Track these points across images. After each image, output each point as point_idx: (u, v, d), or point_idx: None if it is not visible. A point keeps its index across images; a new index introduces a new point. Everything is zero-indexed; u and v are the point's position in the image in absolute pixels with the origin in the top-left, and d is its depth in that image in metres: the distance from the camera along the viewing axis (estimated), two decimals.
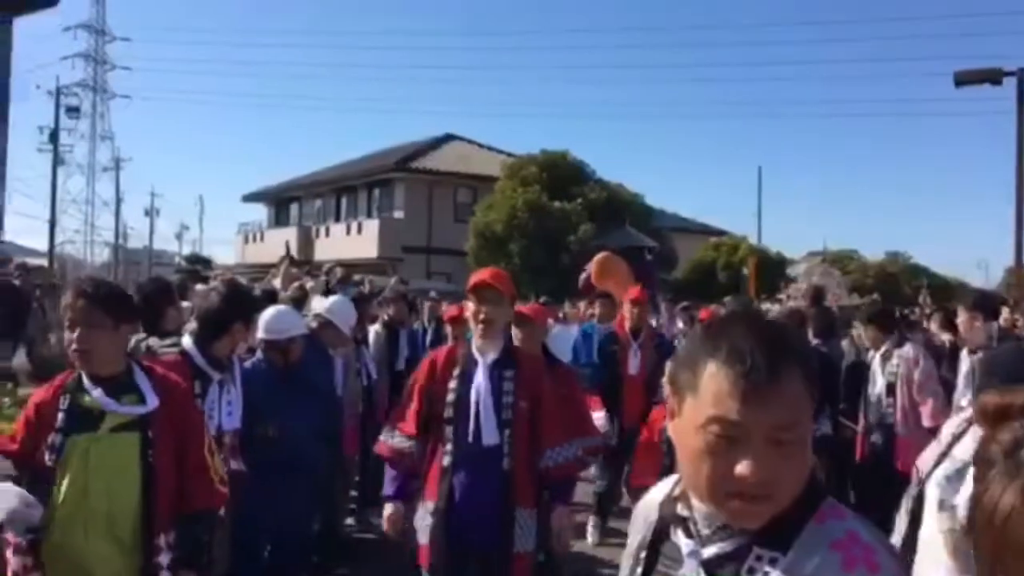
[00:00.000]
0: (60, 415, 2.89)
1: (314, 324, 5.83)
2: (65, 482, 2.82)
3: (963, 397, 5.40)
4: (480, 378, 3.60)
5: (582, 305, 12.47)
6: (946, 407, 5.91)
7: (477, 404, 3.56)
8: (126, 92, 55.39)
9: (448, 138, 35.86)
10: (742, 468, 1.18)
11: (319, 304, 6.36)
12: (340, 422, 5.77)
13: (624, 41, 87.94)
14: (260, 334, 4.74)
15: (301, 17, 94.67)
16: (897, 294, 25.91)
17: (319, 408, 4.94)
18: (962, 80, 14.25)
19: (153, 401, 2.92)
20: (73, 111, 47.34)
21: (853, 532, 1.24)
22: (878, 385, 6.53)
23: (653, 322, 8.79)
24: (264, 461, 4.25)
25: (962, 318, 5.88)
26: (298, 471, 4.56)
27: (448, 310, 7.77)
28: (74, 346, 2.88)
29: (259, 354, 4.84)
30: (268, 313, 4.83)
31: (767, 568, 1.23)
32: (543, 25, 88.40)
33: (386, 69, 79.14)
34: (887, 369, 6.48)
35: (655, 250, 22.95)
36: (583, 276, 11.87)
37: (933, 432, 3.16)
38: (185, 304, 6.50)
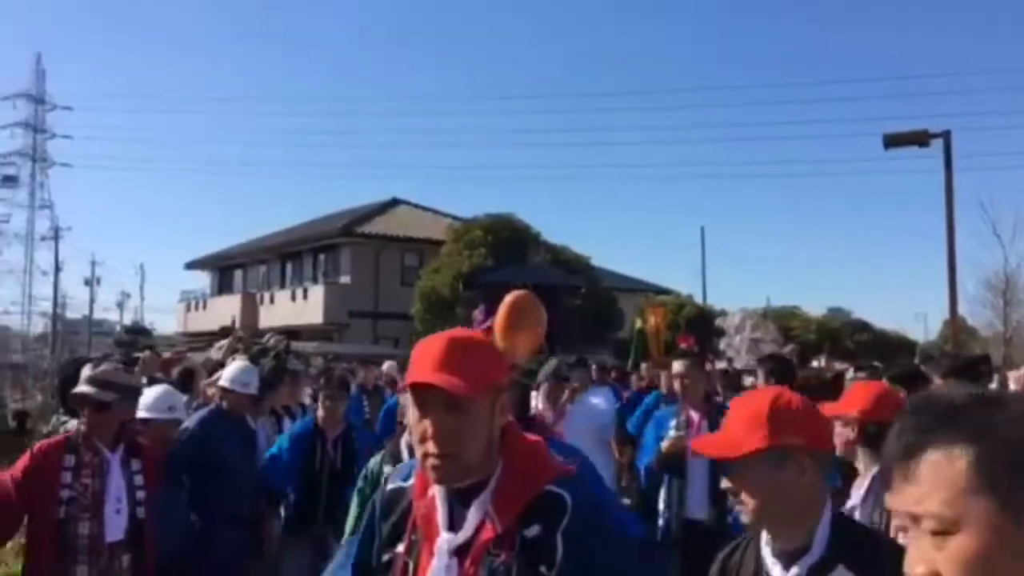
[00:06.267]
0: None
1: (217, 395, 5.70)
2: None
3: None
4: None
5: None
6: None
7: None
8: (66, 160, 54.45)
9: (394, 202, 35.91)
10: None
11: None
12: (244, 503, 5.47)
13: (568, 105, 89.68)
14: (148, 413, 4.63)
15: (242, 83, 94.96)
16: (838, 348, 26.31)
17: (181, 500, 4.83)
18: (890, 143, 14.65)
19: None
20: (10, 180, 46.61)
21: None
22: None
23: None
24: None
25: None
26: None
27: None
28: None
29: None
30: (149, 393, 4.76)
31: None
32: (487, 89, 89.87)
33: (329, 135, 79.73)
34: None
35: (578, 291, 20.09)
36: (478, 321, 9.76)
37: None
38: None
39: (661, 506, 5.26)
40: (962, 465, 1.03)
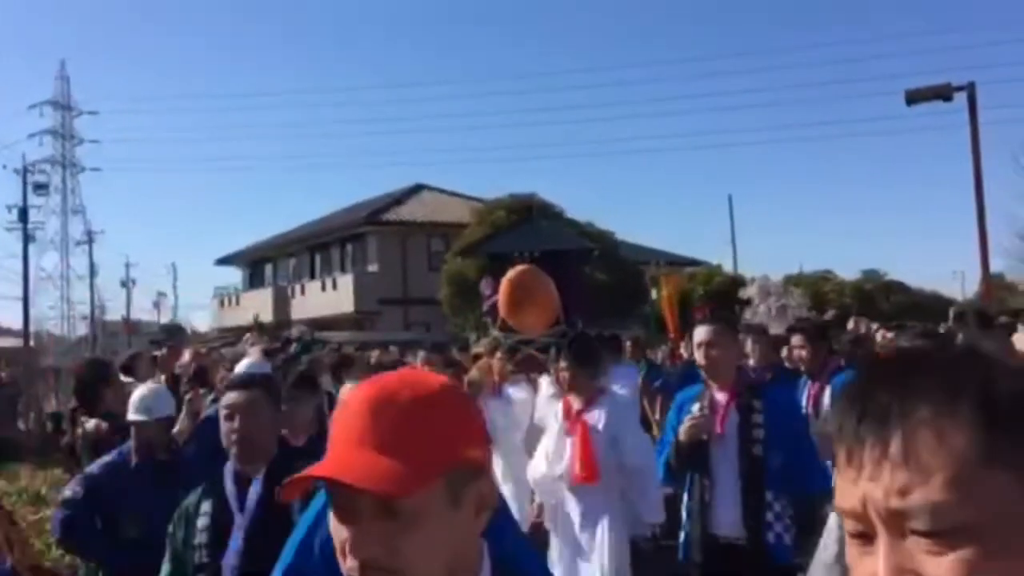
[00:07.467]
0: None
1: None
2: None
3: None
4: None
5: None
6: None
7: None
8: (95, 165, 54.99)
9: (418, 188, 35.94)
10: None
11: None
12: None
13: (583, 81, 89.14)
14: (129, 414, 4.31)
15: (262, 79, 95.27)
16: (873, 311, 25.92)
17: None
18: (913, 98, 14.36)
19: None
20: (42, 188, 47.20)
21: None
22: None
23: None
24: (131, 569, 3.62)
25: None
26: None
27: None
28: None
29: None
30: (138, 392, 4.52)
31: None
32: (501, 70, 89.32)
33: (349, 124, 79.98)
34: None
35: (590, 254, 19.05)
36: (487, 300, 7.90)
37: None
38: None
39: (683, 516, 4.14)
40: (968, 431, 0.69)
